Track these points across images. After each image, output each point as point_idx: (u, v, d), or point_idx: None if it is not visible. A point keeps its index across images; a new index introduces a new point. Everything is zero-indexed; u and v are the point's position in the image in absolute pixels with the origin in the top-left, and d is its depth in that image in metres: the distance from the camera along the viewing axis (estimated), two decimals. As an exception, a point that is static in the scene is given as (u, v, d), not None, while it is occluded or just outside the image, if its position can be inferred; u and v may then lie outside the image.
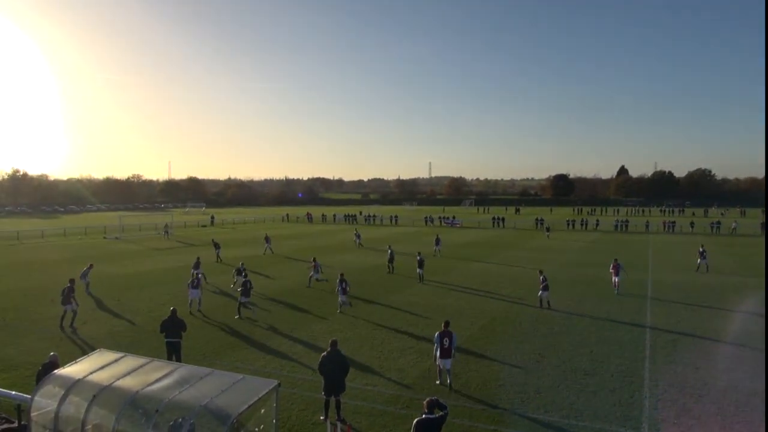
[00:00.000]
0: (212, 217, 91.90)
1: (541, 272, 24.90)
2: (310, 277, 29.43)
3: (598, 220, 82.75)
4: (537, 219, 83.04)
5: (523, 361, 16.37)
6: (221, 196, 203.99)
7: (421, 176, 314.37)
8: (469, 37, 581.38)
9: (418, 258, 31.45)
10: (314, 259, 30.47)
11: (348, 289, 23.46)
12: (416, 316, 22.12)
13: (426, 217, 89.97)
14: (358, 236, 51.72)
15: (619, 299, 25.62)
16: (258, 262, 38.77)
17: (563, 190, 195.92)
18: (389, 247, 38.46)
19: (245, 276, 25.35)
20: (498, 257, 42.53)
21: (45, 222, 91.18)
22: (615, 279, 27.08)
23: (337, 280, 23.83)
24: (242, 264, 29.81)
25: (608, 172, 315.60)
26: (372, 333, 19.69)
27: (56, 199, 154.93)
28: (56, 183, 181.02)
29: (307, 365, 16.01)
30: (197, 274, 24.93)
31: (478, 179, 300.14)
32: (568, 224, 79.04)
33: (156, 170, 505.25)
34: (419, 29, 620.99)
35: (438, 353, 14.11)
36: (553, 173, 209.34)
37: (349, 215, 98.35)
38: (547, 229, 61.44)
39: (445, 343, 13.99)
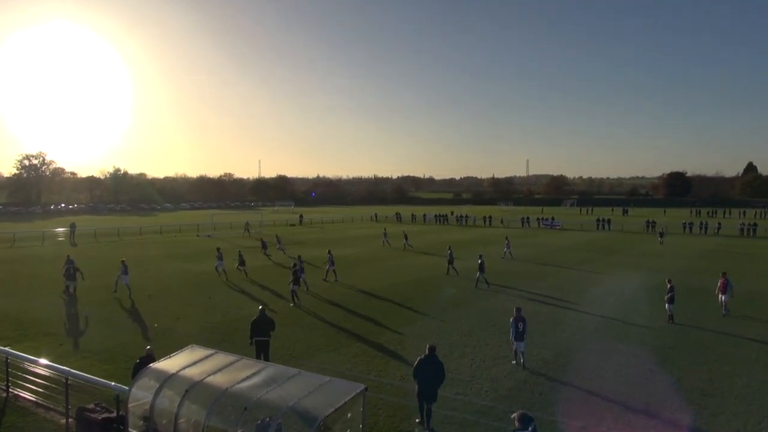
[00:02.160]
0: (301, 216, 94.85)
1: (669, 281, 23.25)
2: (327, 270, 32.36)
3: (719, 223, 77.19)
4: (648, 221, 78.41)
5: (628, 377, 15.60)
6: (309, 195, 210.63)
7: (517, 174, 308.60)
8: (569, 30, 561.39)
9: (479, 261, 30.62)
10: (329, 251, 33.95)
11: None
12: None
13: (522, 219, 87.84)
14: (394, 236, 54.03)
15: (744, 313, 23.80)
16: (356, 259, 39.62)
17: (679, 189, 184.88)
18: (449, 248, 38.09)
19: (297, 266, 27.80)
20: (600, 263, 40.84)
21: (143, 219, 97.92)
22: (722, 298, 23.93)
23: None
24: (299, 258, 31.21)
25: (733, 169, 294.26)
26: (462, 339, 19.57)
27: (153, 196, 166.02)
28: (153, 181, 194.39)
29: (395, 369, 16.14)
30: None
31: (580, 177, 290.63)
32: (685, 227, 74.26)
33: (246, 169, 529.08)
34: (514, 21, 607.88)
35: (513, 336, 16.55)
36: (667, 171, 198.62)
37: (439, 215, 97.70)
38: (661, 234, 57.65)
39: (519, 327, 16.45)
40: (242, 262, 34.29)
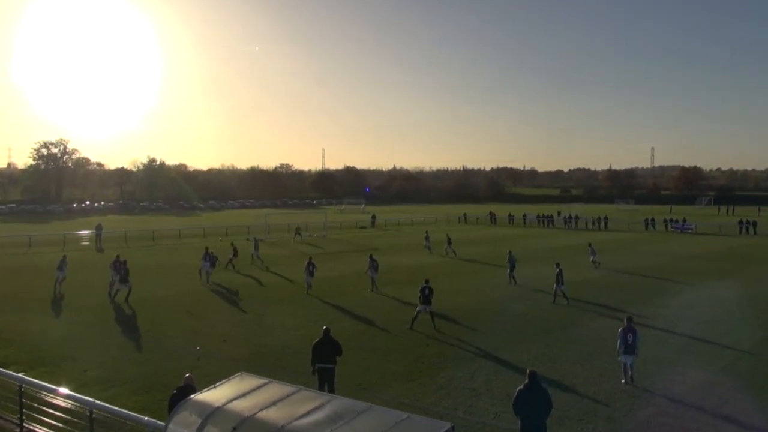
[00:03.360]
0: (373, 217, 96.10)
1: None
2: (372, 279, 34.44)
3: None
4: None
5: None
6: (384, 191, 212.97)
7: (639, 166, 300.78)
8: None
9: (557, 270, 31.20)
10: (371, 256, 35.94)
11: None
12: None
13: (646, 220, 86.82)
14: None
15: None
16: (438, 270, 39.54)
17: None
18: (509, 252, 38.83)
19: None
20: (742, 276, 39.49)
21: (182, 220, 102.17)
22: None
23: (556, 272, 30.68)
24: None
25: None
26: (571, 368, 19.53)
27: (194, 192, 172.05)
28: (195, 174, 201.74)
29: (488, 405, 16.14)
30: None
31: (718, 170, 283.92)
32: None
33: (307, 159, 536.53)
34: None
35: (622, 349, 17.75)
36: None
37: (543, 216, 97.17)
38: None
39: (629, 339, 17.66)
40: (311, 273, 33.80)
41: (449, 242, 53.00)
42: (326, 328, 16.75)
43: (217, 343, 22.75)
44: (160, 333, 24.49)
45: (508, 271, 36.82)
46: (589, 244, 47.95)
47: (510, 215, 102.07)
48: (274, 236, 69.87)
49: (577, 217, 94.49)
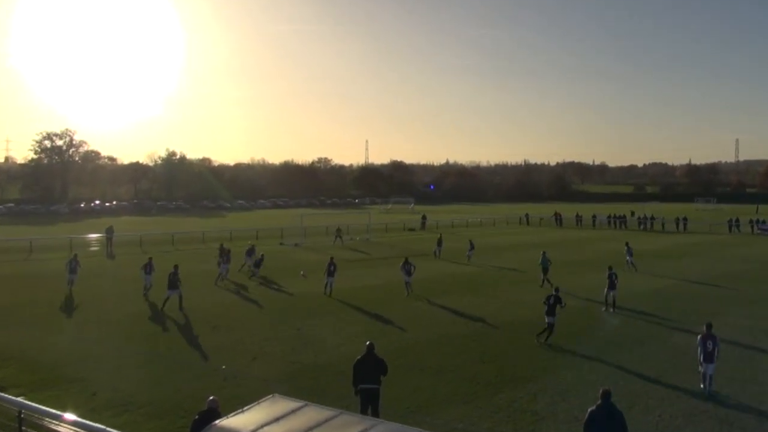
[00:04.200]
0: (423, 218, 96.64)
1: None
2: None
3: None
4: None
5: None
6: (436, 188, 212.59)
7: (722, 160, 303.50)
8: None
9: (609, 273, 32.42)
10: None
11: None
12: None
13: (730, 221, 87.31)
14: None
15: None
16: (499, 278, 39.41)
17: None
18: (543, 253, 40.89)
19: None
20: None
21: (206, 222, 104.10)
22: None
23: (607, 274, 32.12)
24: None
25: None
26: (644, 388, 19.82)
27: (220, 190, 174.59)
28: (221, 170, 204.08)
29: (554, 429, 16.41)
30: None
31: None
32: None
33: (348, 153, 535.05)
34: None
35: (701, 358, 19.19)
36: None
37: (614, 216, 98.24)
38: None
39: (708, 346, 19.12)
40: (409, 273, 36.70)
41: (471, 247, 54.23)
42: (370, 343, 16.83)
43: (246, 360, 22.96)
44: (181, 350, 24.84)
45: (542, 275, 39.48)
46: (626, 243, 49.80)
47: (577, 215, 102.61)
48: (311, 240, 70.33)
49: (653, 218, 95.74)
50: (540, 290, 35.93)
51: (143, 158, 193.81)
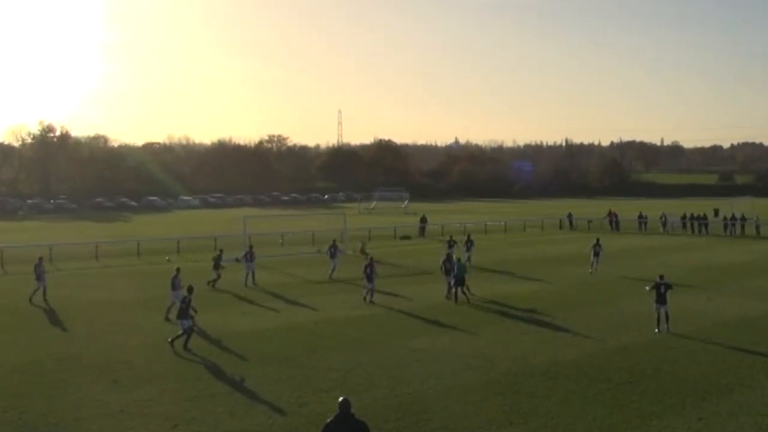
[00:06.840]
0: (423, 221, 79.84)
1: None
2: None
3: None
4: None
5: None
6: (438, 178, 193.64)
7: None
8: None
9: (657, 282, 29.31)
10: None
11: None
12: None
13: None
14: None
15: None
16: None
17: None
18: (597, 239, 42.12)
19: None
20: None
21: (101, 228, 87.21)
22: None
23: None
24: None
25: None
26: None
27: (121, 182, 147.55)
28: (120, 152, 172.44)
29: None
30: None
31: None
32: None
33: (314, 130, 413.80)
34: None
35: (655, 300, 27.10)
36: None
37: (691, 216, 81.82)
38: None
39: (661, 289, 27.37)
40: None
41: (470, 242, 50.37)
42: (344, 399, 13.07)
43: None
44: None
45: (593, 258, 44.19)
46: (597, 240, 46.05)
47: (641, 215, 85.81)
48: (262, 251, 53.13)
49: (743, 219, 78.80)
50: (632, 320, 30.39)
51: (3, 135, 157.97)
